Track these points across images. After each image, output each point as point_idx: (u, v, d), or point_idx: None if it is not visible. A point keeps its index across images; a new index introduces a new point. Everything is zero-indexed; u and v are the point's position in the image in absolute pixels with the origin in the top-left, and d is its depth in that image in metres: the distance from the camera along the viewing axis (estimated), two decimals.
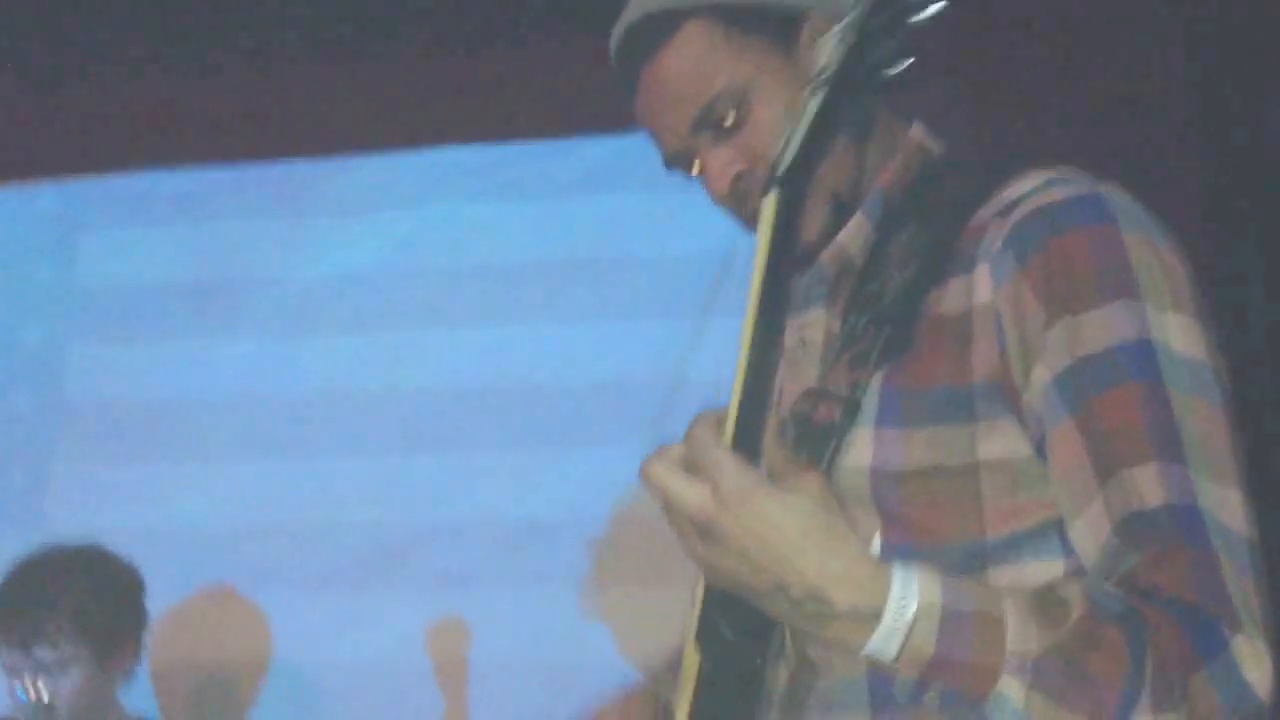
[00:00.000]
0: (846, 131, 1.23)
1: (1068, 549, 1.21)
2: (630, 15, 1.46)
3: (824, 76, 1.16)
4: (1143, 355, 1.18)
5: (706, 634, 1.20)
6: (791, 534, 1.06)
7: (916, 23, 1.13)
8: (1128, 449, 1.16)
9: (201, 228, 3.51)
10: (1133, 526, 1.14)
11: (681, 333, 3.15)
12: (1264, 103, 2.81)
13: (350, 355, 3.37)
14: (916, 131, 1.47)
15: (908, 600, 1.06)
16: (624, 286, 3.25)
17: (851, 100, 1.17)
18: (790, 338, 1.47)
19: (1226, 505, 1.15)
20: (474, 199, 3.36)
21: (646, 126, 1.46)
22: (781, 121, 1.34)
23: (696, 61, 1.39)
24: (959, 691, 1.06)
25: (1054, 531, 1.22)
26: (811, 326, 1.43)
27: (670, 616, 2.91)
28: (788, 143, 1.18)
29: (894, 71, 1.15)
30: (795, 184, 1.18)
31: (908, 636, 1.05)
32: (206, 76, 3.44)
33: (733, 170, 1.39)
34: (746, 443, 1.12)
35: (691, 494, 1.07)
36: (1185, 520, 1.13)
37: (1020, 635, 1.06)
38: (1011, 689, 1.05)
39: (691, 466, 1.09)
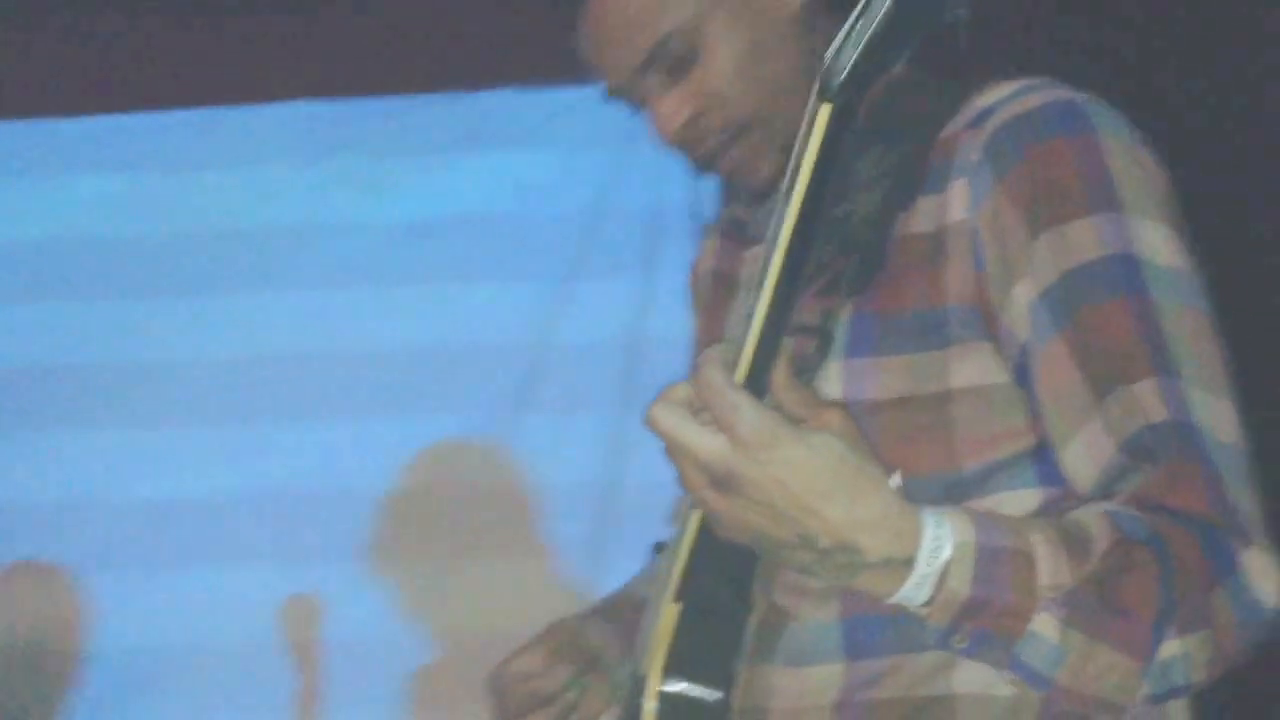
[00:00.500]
0: (914, 40, 1.00)
1: (1043, 478, 1.18)
2: None
3: None
4: (1130, 268, 1.15)
5: (690, 587, 1.12)
6: (819, 480, 0.97)
7: None
8: (1125, 365, 1.12)
9: (11, 187, 3.28)
10: (1141, 442, 1.10)
11: (544, 296, 3.07)
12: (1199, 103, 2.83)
13: (188, 319, 3.16)
14: None
15: (942, 542, 0.99)
16: (485, 247, 3.11)
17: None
18: (746, 271, 1.41)
19: (1221, 417, 1.12)
20: (326, 154, 3.18)
21: (589, 55, 1.36)
22: (737, 61, 1.29)
23: None
24: (991, 633, 1.00)
25: (1028, 461, 1.19)
26: None
27: (461, 578, 2.90)
28: (844, 44, 1.00)
29: None
30: (851, 94, 1.01)
31: (941, 581, 0.99)
32: (20, 27, 3.21)
33: (683, 114, 1.31)
34: (758, 382, 1.03)
35: (707, 442, 0.98)
36: (1188, 434, 1.09)
37: (1053, 569, 1.00)
38: (1046, 627, 1.00)
39: (700, 410, 0.99)
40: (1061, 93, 1.22)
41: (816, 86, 1.01)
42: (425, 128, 3.14)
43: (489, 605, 2.96)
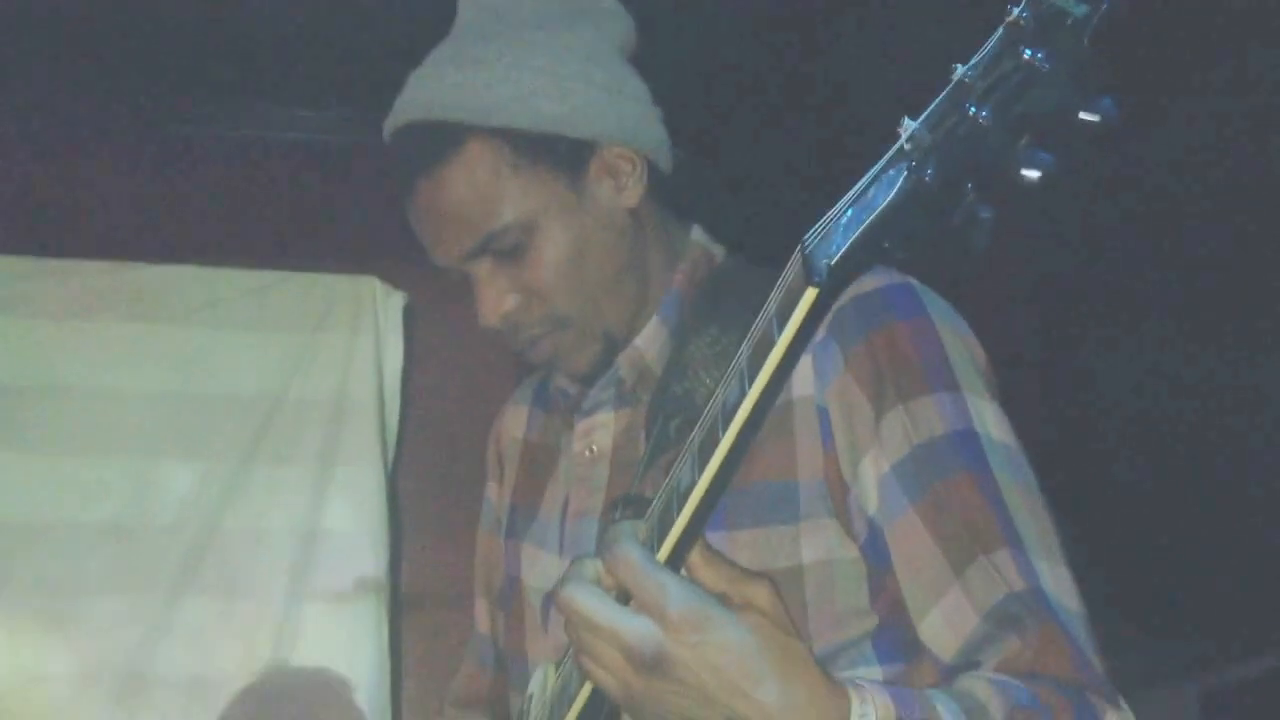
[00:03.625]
0: (918, 237, 0.87)
1: (882, 656, 1.20)
2: (407, 114, 1.36)
3: (913, 151, 0.84)
4: (973, 444, 1.20)
5: None
6: (751, 662, 0.95)
7: (1088, 112, 0.79)
8: (979, 536, 1.16)
9: None
10: (1005, 611, 1.12)
11: (216, 478, 2.93)
12: None
13: None
14: (698, 234, 1.46)
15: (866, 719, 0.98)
16: (161, 422, 2.95)
17: (949, 197, 0.84)
18: (577, 444, 1.43)
19: (1065, 584, 1.16)
20: None
21: (419, 233, 1.39)
22: (562, 261, 1.33)
23: (480, 188, 1.32)
24: None
25: (868, 641, 1.21)
26: (598, 431, 1.40)
27: None
28: (829, 229, 0.89)
29: (1031, 174, 0.81)
30: (838, 280, 0.89)
31: None
32: None
33: (506, 304, 1.36)
34: (678, 559, 0.99)
35: (634, 624, 0.94)
36: (1044, 602, 1.13)
37: None
38: None
39: (617, 589, 0.96)
40: (895, 277, 1.29)
41: (798, 268, 0.91)
42: (103, 295, 2.97)
43: None
